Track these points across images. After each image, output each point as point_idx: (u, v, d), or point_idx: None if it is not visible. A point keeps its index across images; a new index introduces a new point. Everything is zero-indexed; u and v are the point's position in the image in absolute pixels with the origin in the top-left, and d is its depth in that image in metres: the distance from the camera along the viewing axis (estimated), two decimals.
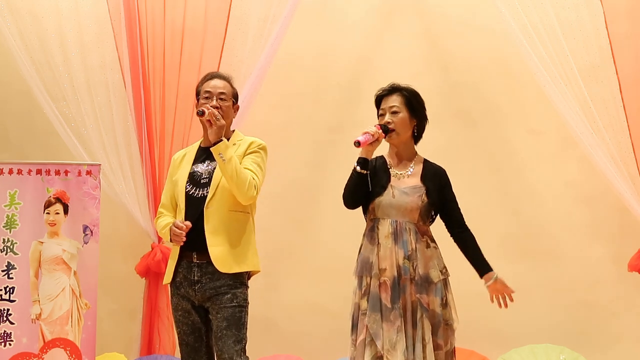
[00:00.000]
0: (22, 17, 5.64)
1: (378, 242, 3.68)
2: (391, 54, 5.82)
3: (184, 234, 3.68)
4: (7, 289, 5.00)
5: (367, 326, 3.62)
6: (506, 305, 3.79)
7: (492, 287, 3.77)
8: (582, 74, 5.31)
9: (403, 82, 3.88)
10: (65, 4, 5.67)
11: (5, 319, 4.99)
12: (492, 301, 3.80)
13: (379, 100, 3.83)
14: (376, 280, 3.65)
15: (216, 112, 3.67)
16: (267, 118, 5.72)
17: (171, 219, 3.82)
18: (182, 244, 3.70)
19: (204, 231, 3.69)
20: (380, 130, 3.68)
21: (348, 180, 3.71)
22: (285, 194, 5.74)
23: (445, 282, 3.74)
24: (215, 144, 3.65)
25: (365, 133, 3.65)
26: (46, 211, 5.09)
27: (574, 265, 5.59)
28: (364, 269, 3.70)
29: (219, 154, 3.63)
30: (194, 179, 3.79)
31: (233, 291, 3.69)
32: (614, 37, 5.25)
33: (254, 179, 3.70)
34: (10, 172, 5.09)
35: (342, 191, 3.74)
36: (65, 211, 5.12)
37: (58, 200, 5.11)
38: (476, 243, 3.80)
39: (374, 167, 3.79)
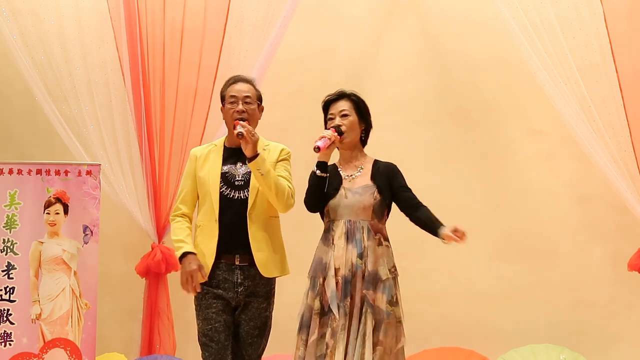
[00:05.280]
0: (23, 17, 5.64)
1: (332, 243, 3.77)
2: (391, 54, 5.81)
3: (198, 287, 3.68)
4: (7, 289, 5.01)
5: (318, 326, 3.69)
6: (462, 238, 3.56)
7: (445, 234, 3.60)
8: (582, 73, 5.30)
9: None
10: (65, 4, 5.67)
11: (5, 319, 4.99)
12: (449, 241, 3.59)
13: (326, 105, 3.92)
14: (332, 280, 3.70)
15: (251, 128, 3.69)
16: (266, 118, 5.67)
17: (190, 241, 3.75)
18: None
19: (245, 235, 3.73)
20: (336, 133, 3.78)
21: (308, 184, 3.82)
22: None
23: (394, 281, 3.76)
24: (251, 159, 3.67)
25: (323, 137, 3.75)
26: (46, 211, 5.10)
27: (574, 265, 5.59)
28: (317, 270, 3.79)
29: (257, 168, 3.66)
30: (226, 180, 3.80)
31: (268, 300, 3.83)
32: (614, 36, 5.24)
33: (289, 187, 3.80)
34: (10, 172, 5.09)
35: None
36: (65, 211, 5.12)
37: (58, 200, 5.11)
38: (430, 213, 3.72)
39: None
